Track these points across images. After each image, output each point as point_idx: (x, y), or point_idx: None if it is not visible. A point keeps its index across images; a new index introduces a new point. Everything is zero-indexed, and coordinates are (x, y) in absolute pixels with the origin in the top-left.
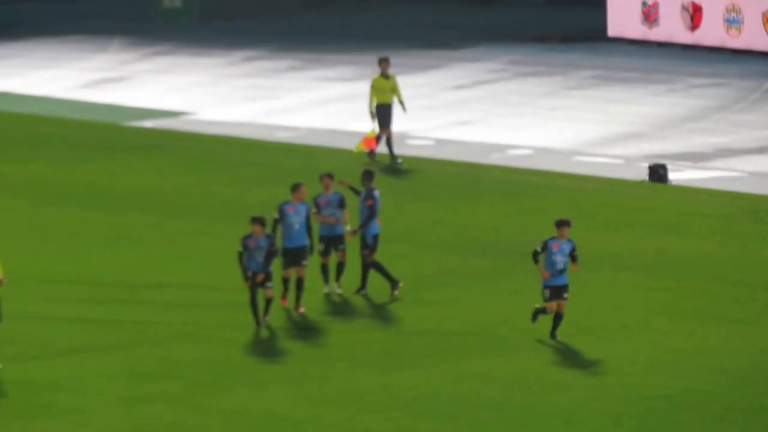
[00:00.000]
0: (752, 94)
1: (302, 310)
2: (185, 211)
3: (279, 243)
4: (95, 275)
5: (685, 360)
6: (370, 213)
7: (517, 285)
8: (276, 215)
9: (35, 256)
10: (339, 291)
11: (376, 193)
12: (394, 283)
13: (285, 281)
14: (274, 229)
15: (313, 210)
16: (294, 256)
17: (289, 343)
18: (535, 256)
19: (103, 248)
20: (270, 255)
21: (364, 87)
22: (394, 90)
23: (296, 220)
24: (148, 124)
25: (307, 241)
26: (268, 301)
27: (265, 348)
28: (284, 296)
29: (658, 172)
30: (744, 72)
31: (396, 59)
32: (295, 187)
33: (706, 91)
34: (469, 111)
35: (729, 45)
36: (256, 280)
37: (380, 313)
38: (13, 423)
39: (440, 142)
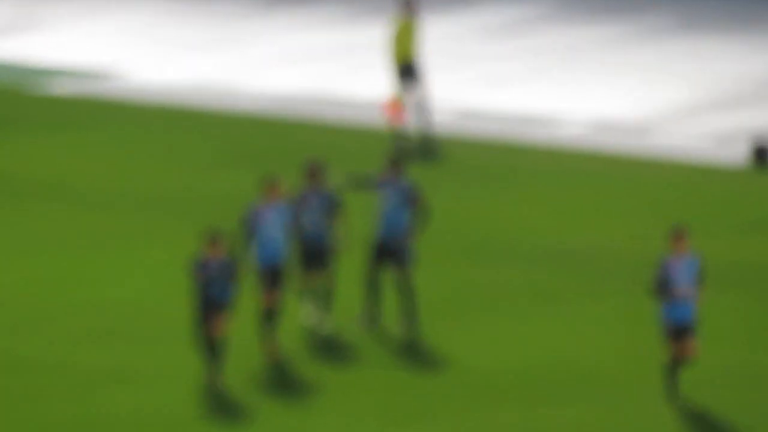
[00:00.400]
0: None
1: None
2: (117, 208)
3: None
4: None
5: None
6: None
7: (568, 308)
8: (244, 226)
9: None
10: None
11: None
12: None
13: (267, 313)
14: (242, 245)
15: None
16: (273, 278)
17: (263, 390)
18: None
19: (5, 257)
20: (233, 278)
21: (361, 35)
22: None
23: (274, 230)
24: (64, 89)
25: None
26: (220, 344)
27: (225, 400)
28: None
29: (764, 152)
30: None
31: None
32: (269, 185)
33: None
34: (504, 70)
35: None
36: (212, 317)
37: (385, 345)
38: None
39: (463, 115)
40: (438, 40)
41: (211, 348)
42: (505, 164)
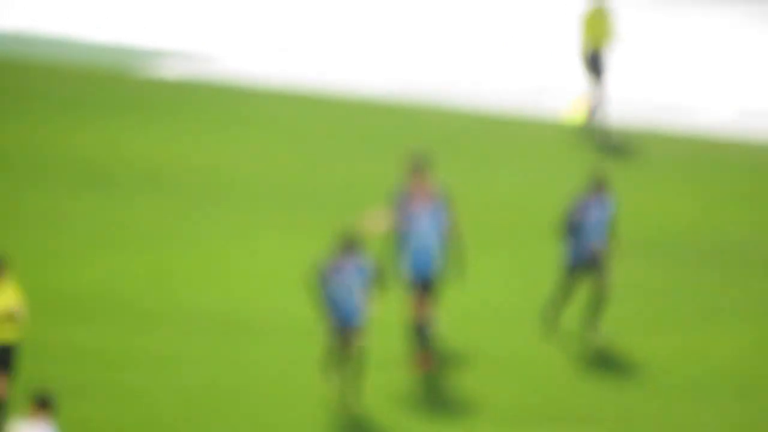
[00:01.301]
0: None
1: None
2: (220, 198)
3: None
4: (91, 289)
5: None
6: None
7: (710, 308)
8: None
9: (9, 260)
10: None
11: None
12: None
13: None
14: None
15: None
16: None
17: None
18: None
19: (100, 250)
20: (372, 286)
21: (478, 19)
22: (610, 30)
23: (428, 230)
24: (167, 70)
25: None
26: (359, 356)
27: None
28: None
29: None
30: None
31: None
32: (416, 171)
33: None
34: (633, 50)
35: None
36: (345, 337)
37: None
38: None
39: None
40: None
41: (346, 364)
42: (635, 149)
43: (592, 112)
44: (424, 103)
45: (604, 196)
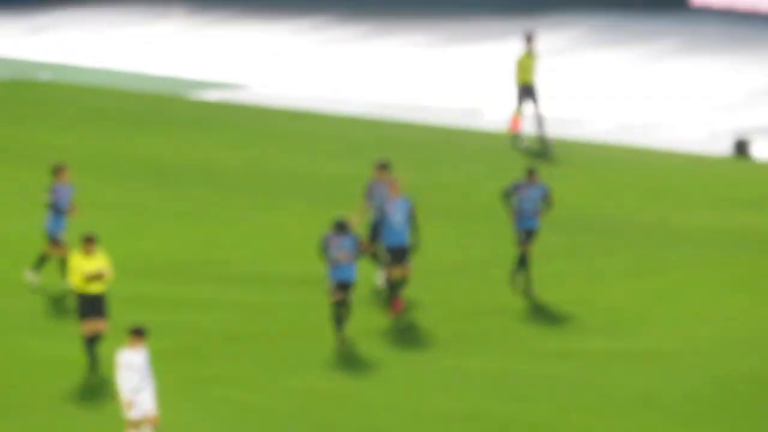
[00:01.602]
0: None
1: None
2: (251, 185)
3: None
4: (159, 253)
5: (765, 339)
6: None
7: (594, 262)
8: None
9: (99, 233)
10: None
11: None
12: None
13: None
14: (375, 229)
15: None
16: (398, 255)
17: (356, 325)
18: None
19: (166, 225)
20: (358, 256)
21: (437, 55)
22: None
23: (398, 218)
24: (213, 95)
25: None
26: (347, 310)
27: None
28: (395, 302)
29: (743, 147)
30: None
31: (472, 26)
32: (391, 185)
33: None
34: (549, 82)
35: None
36: (340, 294)
37: (450, 292)
38: (67, 402)
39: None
40: (495, 59)
41: (340, 321)
42: (548, 153)
43: (522, 126)
44: (391, 118)
45: (535, 181)
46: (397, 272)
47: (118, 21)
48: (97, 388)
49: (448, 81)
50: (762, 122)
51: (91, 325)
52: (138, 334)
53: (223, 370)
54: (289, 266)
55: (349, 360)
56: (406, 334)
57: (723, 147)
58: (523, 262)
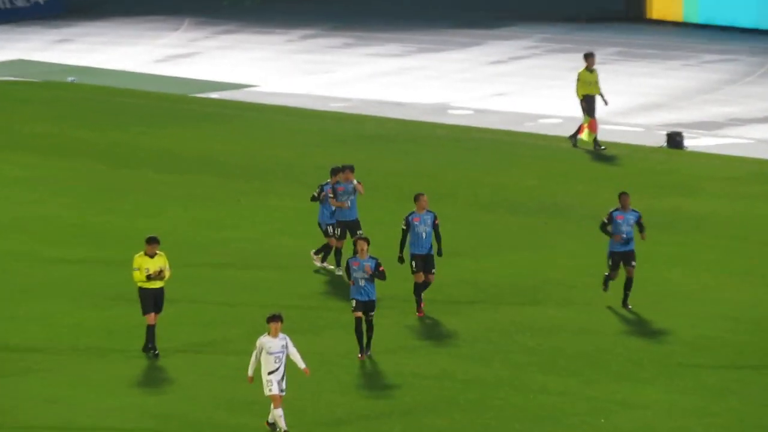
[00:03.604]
0: (760, 69)
1: (421, 314)
2: (248, 173)
3: (407, 251)
4: (166, 230)
5: (700, 308)
6: None
7: (547, 241)
8: (403, 226)
9: (113, 214)
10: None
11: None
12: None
13: (416, 289)
14: (402, 240)
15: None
16: (424, 263)
17: (340, 292)
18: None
19: (175, 206)
20: (377, 276)
21: (411, 62)
22: (597, 82)
23: (423, 230)
24: (215, 95)
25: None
26: (370, 328)
27: (320, 299)
28: (419, 309)
29: (675, 139)
30: (753, 49)
31: (439, 37)
32: (418, 197)
33: (719, 66)
34: (505, 84)
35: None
36: (362, 312)
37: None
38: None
39: (479, 112)
40: (461, 64)
41: (361, 334)
42: (506, 144)
43: (589, 133)
44: (371, 114)
45: (627, 207)
46: (419, 278)
47: (138, 33)
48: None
49: (419, 82)
50: (690, 119)
51: (152, 317)
52: (278, 319)
53: (219, 336)
54: (281, 243)
55: (333, 325)
56: (381, 302)
57: (657, 139)
58: (627, 286)
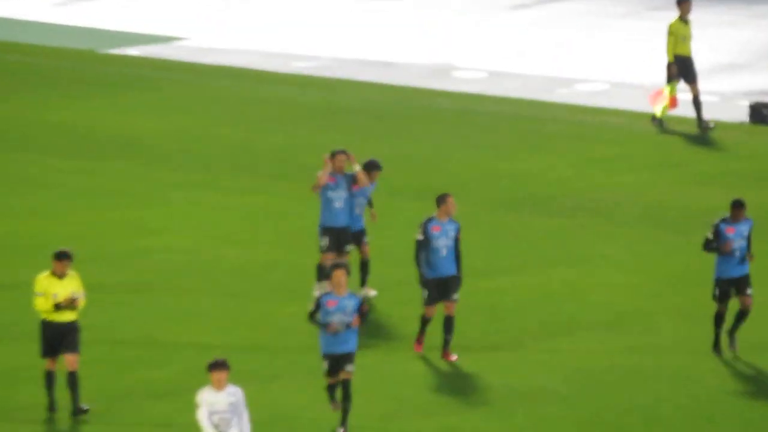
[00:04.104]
0: None
1: (454, 357)
2: (181, 160)
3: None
4: (70, 238)
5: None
6: None
7: (586, 251)
8: (420, 236)
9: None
10: (372, 293)
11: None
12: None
13: (424, 322)
14: (418, 256)
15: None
16: (442, 289)
17: (300, 326)
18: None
19: (80, 204)
20: (361, 319)
21: (402, 6)
22: (690, 39)
23: (444, 243)
24: (134, 51)
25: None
26: (345, 388)
27: (275, 333)
28: (419, 340)
29: (760, 112)
30: None
31: None
32: (443, 199)
33: None
34: (530, 36)
35: None
36: (337, 370)
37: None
38: None
39: (494, 75)
40: (469, 10)
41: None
42: (530, 120)
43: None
44: (347, 77)
45: (741, 216)
46: (431, 311)
47: None
48: None
49: (414, 35)
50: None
51: (52, 362)
52: (217, 368)
53: (139, 377)
54: (223, 256)
55: (295, 372)
56: (374, 331)
57: (736, 112)
58: (739, 318)
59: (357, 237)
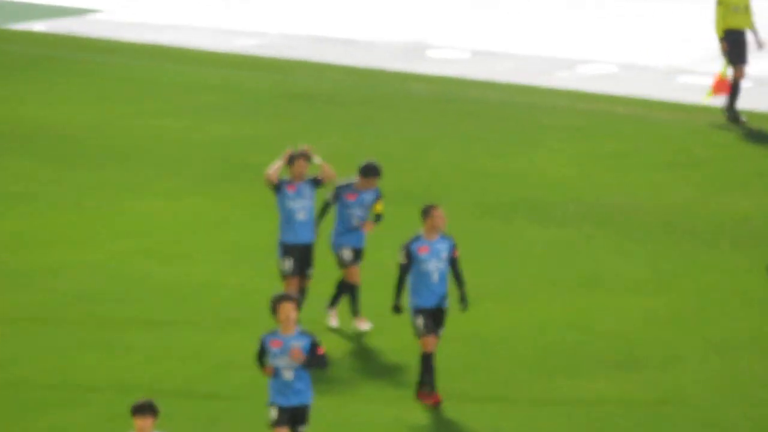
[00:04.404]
0: None
1: (437, 400)
2: (98, 157)
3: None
4: None
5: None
6: None
7: (594, 268)
8: (403, 259)
9: None
10: (364, 326)
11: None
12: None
13: (426, 359)
14: (400, 283)
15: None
16: (437, 319)
17: (243, 363)
18: None
19: None
20: (312, 364)
21: None
22: (748, 10)
23: (435, 266)
24: (40, 27)
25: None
26: None
27: (214, 374)
28: (424, 385)
29: None
30: None
31: None
32: (428, 212)
33: None
34: (523, 9)
35: None
36: (286, 424)
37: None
38: None
39: (479, 55)
40: None
41: None
42: (524, 108)
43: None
44: (300, 58)
45: None
46: (429, 344)
47: None
48: None
49: (382, 7)
50: None
51: None
52: (142, 412)
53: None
54: (155, 272)
55: (232, 418)
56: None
57: None
58: None
59: (356, 257)
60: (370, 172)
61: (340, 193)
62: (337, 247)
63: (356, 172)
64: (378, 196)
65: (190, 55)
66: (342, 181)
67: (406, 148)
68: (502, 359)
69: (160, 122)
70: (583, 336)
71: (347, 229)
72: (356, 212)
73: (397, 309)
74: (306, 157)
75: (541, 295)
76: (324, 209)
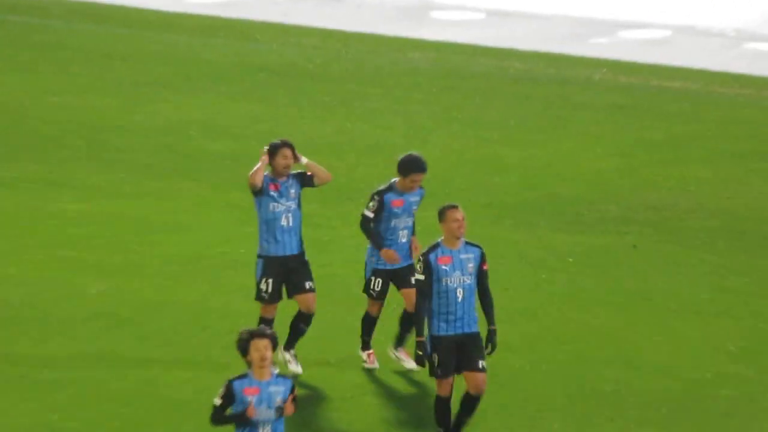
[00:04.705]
0: None
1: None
2: (12, 147)
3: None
4: None
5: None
6: None
7: (638, 284)
8: (419, 275)
9: None
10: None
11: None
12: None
13: (440, 404)
14: (420, 309)
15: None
16: (461, 354)
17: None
18: None
19: None
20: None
21: None
22: None
23: (459, 280)
24: None
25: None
26: None
27: (166, 409)
28: None
29: None
30: None
31: None
32: (442, 214)
33: None
34: None
35: None
36: None
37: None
38: None
39: (494, 15)
40: None
41: None
42: (551, 83)
43: None
44: (274, 20)
45: None
46: (445, 388)
47: None
48: None
49: None
50: None
51: None
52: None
53: None
54: (88, 289)
55: None
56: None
57: None
58: None
59: (403, 276)
60: (415, 166)
61: (385, 199)
62: (373, 272)
63: (396, 170)
64: (421, 197)
65: (131, 16)
66: (379, 185)
67: (402, 132)
68: (530, 396)
69: (85, 101)
70: (627, 372)
71: (396, 246)
72: (403, 222)
73: (426, 354)
74: (290, 147)
75: (573, 320)
76: (370, 226)
